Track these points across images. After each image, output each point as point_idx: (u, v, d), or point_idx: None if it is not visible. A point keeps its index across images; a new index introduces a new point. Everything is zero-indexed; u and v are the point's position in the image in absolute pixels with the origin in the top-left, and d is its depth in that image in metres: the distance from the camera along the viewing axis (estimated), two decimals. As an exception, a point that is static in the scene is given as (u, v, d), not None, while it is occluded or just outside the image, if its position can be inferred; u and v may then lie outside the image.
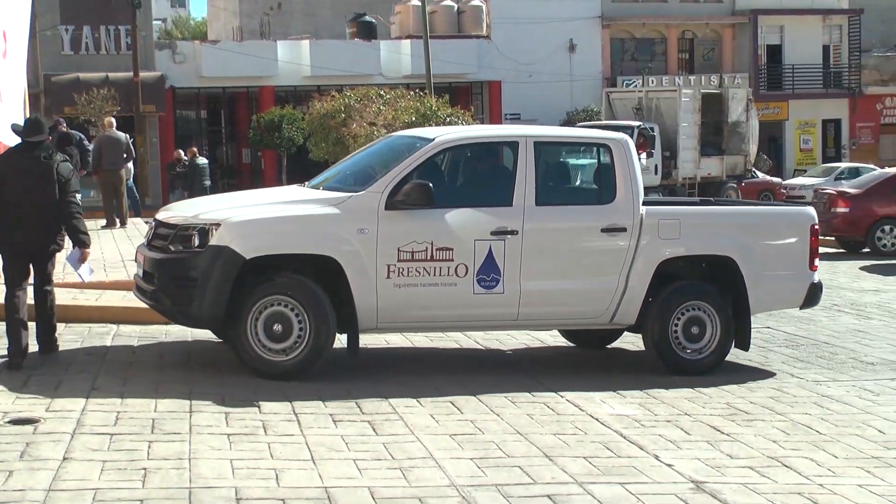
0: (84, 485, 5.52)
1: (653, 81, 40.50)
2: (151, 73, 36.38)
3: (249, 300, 8.13)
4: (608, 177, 9.01)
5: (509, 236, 8.57)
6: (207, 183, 25.16)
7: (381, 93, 28.15)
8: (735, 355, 9.45)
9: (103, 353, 8.92)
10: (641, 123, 28.92)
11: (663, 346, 8.99)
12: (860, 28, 47.08)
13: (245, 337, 8.15)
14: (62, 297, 9.19)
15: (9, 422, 6.63)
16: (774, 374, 9.23)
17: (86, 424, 6.62)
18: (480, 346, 10.09)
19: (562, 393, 8.14)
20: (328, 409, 7.33)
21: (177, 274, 8.22)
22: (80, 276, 8.95)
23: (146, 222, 21.35)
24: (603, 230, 8.83)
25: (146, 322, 10.24)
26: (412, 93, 27.90)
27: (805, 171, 40.42)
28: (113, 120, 20.77)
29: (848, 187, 23.08)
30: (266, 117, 36.44)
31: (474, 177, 9.32)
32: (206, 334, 9.82)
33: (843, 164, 37.55)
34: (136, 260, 9.10)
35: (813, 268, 9.46)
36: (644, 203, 8.99)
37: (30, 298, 8.75)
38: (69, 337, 9.37)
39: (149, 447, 6.23)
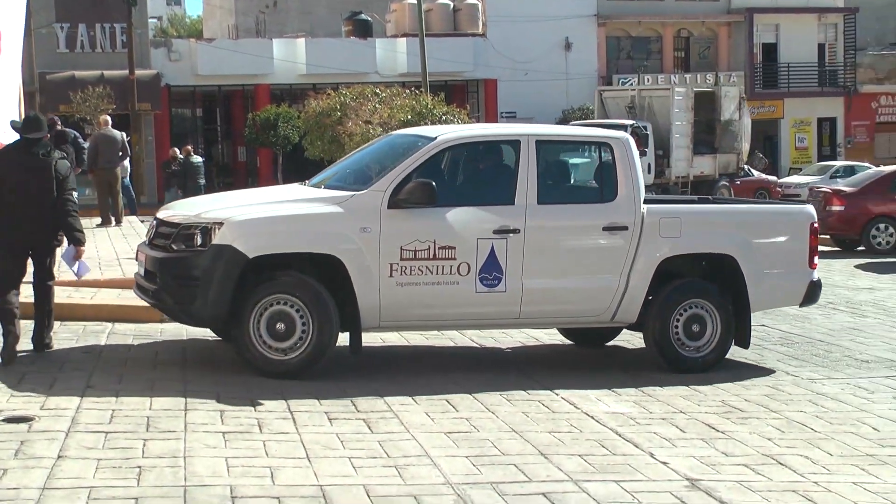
0: (79, 483, 5.51)
1: (648, 80, 40.52)
2: (147, 71, 36.36)
3: (252, 299, 8.11)
4: (609, 175, 9.02)
5: (511, 235, 8.58)
6: (202, 181, 25.15)
7: (377, 91, 28.17)
8: (730, 353, 9.44)
9: (98, 352, 8.91)
10: (634, 122, 28.94)
11: (664, 345, 9.00)
12: (855, 26, 47.13)
13: (248, 336, 8.13)
14: (57, 294, 9.18)
15: (3, 420, 6.63)
16: (769, 372, 9.24)
17: (80, 422, 6.62)
18: (476, 345, 10.10)
19: (557, 391, 8.15)
20: (323, 407, 7.33)
21: (179, 273, 8.19)
22: (73, 272, 8.95)
23: (142, 221, 21.34)
24: (604, 229, 8.83)
25: (141, 320, 10.24)
26: (408, 91, 27.93)
27: (800, 169, 40.49)
28: (109, 118, 20.76)
29: (843, 186, 23.11)
30: (262, 115, 36.43)
31: (476, 175, 9.32)
32: (201, 333, 9.81)
33: (839, 163, 37.60)
34: (136, 259, 9.07)
35: (812, 266, 9.49)
36: (645, 201, 9.00)
37: (25, 298, 8.75)
38: (64, 335, 9.36)
39: (144, 445, 6.23)
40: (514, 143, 8.92)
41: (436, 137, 8.83)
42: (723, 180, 31.79)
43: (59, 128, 18.46)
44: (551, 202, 8.82)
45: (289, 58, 39.16)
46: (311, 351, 8.18)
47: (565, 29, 42.70)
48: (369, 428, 6.90)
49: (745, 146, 33.38)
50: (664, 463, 6.41)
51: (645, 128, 28.76)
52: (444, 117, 24.68)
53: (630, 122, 28.70)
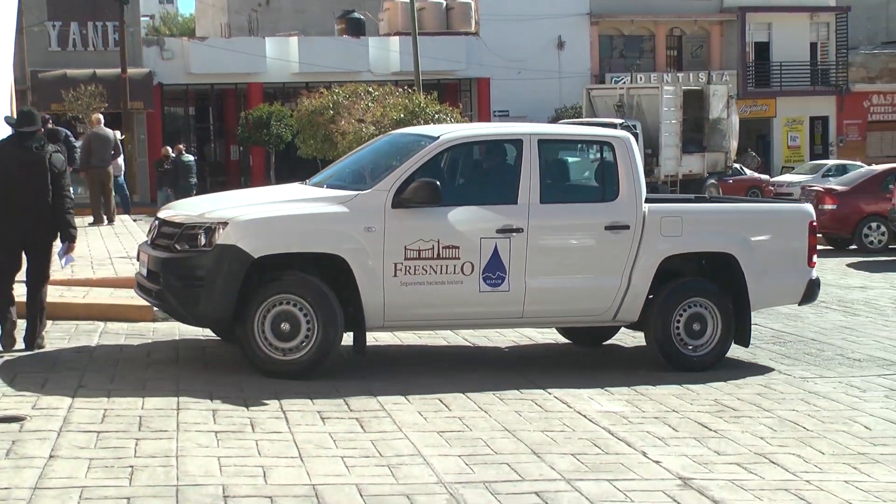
0: (70, 483, 5.50)
1: (641, 78, 40.55)
2: (139, 69, 36.30)
3: (257, 299, 8.08)
4: (611, 174, 9.03)
5: (515, 234, 8.58)
6: (194, 180, 25.09)
7: (370, 90, 28.15)
8: (723, 352, 9.46)
9: (90, 351, 8.89)
10: (624, 120, 28.94)
11: (666, 343, 9.02)
12: (847, 25, 47.22)
13: (252, 336, 8.10)
14: (50, 293, 9.16)
15: (-5, 419, 6.61)
16: (762, 371, 9.25)
17: (72, 422, 6.60)
18: (469, 344, 10.10)
19: (550, 390, 8.15)
20: (316, 407, 7.32)
21: (183, 273, 8.15)
22: (60, 264, 8.98)
23: (134, 220, 21.33)
24: (606, 228, 8.84)
25: (134, 319, 10.23)
26: (401, 90, 27.91)
27: (793, 168, 40.55)
28: (101, 117, 20.74)
29: (835, 184, 23.17)
30: (254, 114, 36.40)
31: (479, 175, 9.34)
32: (193, 332, 9.81)
33: (831, 162, 37.67)
34: (137, 258, 9.04)
35: (811, 264, 9.53)
36: (646, 201, 9.02)
37: (18, 297, 8.74)
38: (56, 334, 9.34)
39: (136, 445, 6.22)
40: (517, 143, 8.93)
41: (438, 137, 8.82)
42: (711, 179, 31.82)
43: (50, 126, 18.40)
44: (554, 201, 8.82)
45: (281, 56, 39.14)
46: (316, 351, 8.16)
47: (558, 27, 42.73)
48: (362, 427, 6.89)
49: (734, 145, 33.42)
50: (657, 462, 6.42)
51: (634, 126, 28.78)
52: (436, 116, 24.66)
53: (619, 120, 28.70)
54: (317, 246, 8.27)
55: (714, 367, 9.09)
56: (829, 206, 20.94)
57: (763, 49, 46.53)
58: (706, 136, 32.44)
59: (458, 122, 25.11)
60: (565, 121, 31.96)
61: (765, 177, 37.50)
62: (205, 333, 9.78)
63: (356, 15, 43.53)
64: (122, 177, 24.87)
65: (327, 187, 8.93)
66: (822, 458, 6.69)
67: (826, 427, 7.44)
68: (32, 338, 8.68)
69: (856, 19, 48.19)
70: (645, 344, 10.20)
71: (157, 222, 8.73)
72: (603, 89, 35.46)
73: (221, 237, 8.06)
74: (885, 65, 48.51)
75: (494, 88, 42.15)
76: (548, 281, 8.71)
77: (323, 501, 5.45)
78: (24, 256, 8.74)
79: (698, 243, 9.16)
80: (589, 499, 5.69)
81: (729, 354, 9.57)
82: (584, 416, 7.43)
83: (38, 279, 8.74)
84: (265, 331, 8.12)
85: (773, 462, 6.55)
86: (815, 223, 9.59)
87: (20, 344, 8.67)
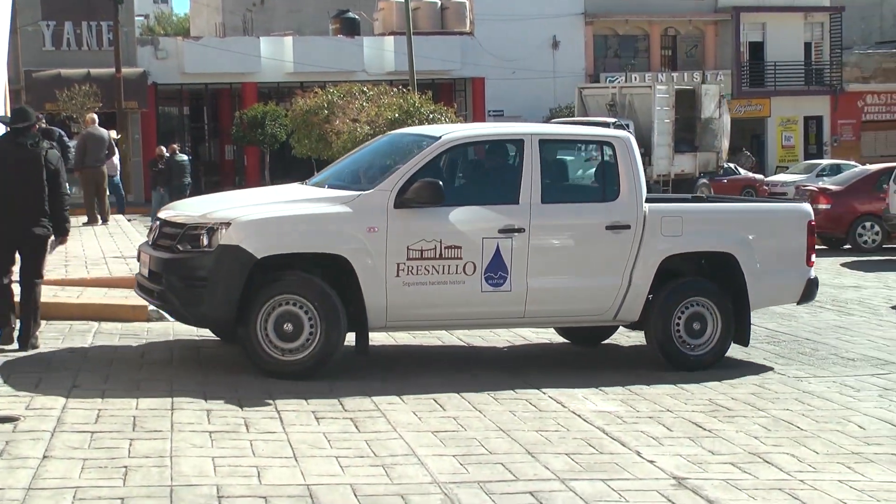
0: (64, 483, 5.49)
1: (636, 78, 40.60)
2: (133, 69, 36.26)
3: (260, 299, 8.06)
4: (612, 174, 9.05)
5: (516, 234, 8.58)
6: (188, 180, 25.03)
7: (364, 89, 28.12)
8: (717, 352, 9.47)
9: (84, 351, 8.88)
10: (617, 119, 28.94)
11: (666, 343, 9.04)
12: (841, 25, 47.27)
13: (255, 337, 8.08)
14: (43, 293, 9.15)
15: (-11, 420, 6.60)
16: (756, 371, 9.25)
17: (66, 422, 6.59)
18: (463, 343, 10.09)
19: (544, 390, 8.15)
20: (310, 407, 7.32)
21: (185, 274, 8.13)
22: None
23: (129, 220, 21.30)
24: (607, 227, 8.85)
25: (128, 319, 10.22)
26: (395, 89, 27.89)
27: (787, 168, 40.60)
28: (95, 116, 20.71)
29: (829, 184, 23.21)
30: (249, 114, 36.37)
31: (480, 175, 9.34)
32: (188, 332, 9.80)
33: (825, 161, 37.71)
34: (137, 259, 9.01)
35: (810, 263, 9.56)
36: (646, 200, 9.03)
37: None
38: (50, 334, 9.33)
39: (130, 445, 6.21)
40: (518, 143, 8.93)
41: (440, 137, 8.82)
42: (703, 179, 31.85)
43: (43, 125, 18.37)
44: (555, 201, 8.83)
45: (276, 56, 39.11)
46: (319, 352, 8.14)
47: (553, 27, 42.73)
48: (356, 427, 6.89)
49: (725, 144, 33.46)
50: (651, 461, 6.42)
51: (627, 125, 28.81)
52: (431, 116, 24.64)
53: (612, 119, 28.71)
54: (319, 246, 8.25)
55: (714, 366, 9.12)
56: (823, 206, 20.96)
57: (757, 49, 46.57)
58: (698, 136, 32.46)
59: (452, 121, 25.10)
60: (557, 120, 31.96)
61: (759, 176, 37.55)
62: (199, 334, 9.77)
63: (351, 15, 43.51)
64: (118, 176, 24.84)
65: (328, 187, 8.91)
66: (816, 458, 6.70)
67: (820, 426, 7.45)
68: (26, 337, 8.67)
69: (850, 19, 48.24)
70: (640, 343, 10.22)
71: (158, 223, 8.70)
72: (595, 88, 35.47)
73: (224, 238, 8.04)
74: (878, 65, 48.57)
75: (489, 88, 42.15)
76: (549, 281, 8.72)
77: (317, 501, 5.45)
78: (17, 254, 8.75)
79: (698, 243, 9.18)
80: (583, 498, 5.70)
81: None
82: (579, 416, 7.43)
83: (32, 278, 8.73)
84: (268, 331, 8.10)
85: (767, 461, 6.56)
86: (813, 223, 9.63)
87: (14, 344, 8.66)
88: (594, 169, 9.57)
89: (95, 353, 8.80)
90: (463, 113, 39.71)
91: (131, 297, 10.75)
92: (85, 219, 18.95)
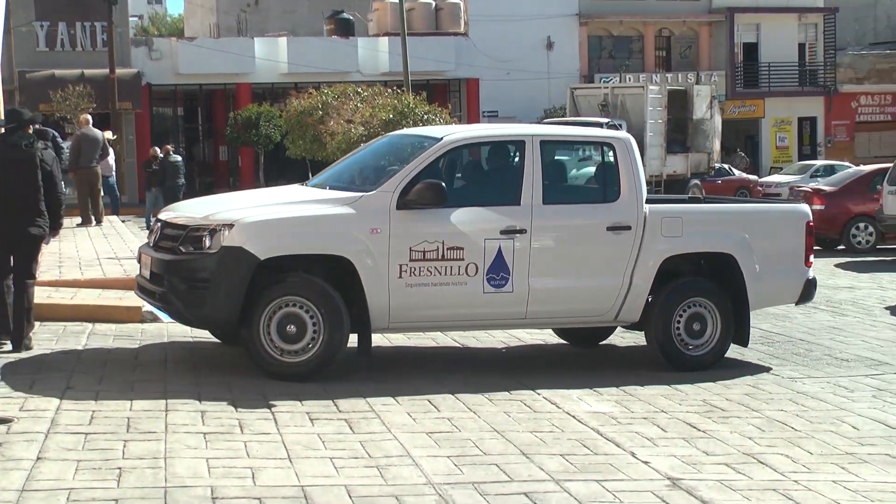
0: (58, 485, 5.48)
1: (630, 79, 40.62)
2: (127, 69, 36.23)
3: (263, 301, 8.04)
4: (612, 175, 9.06)
5: (518, 235, 8.59)
6: (181, 181, 25.02)
7: (359, 90, 28.11)
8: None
9: (78, 352, 8.86)
10: (610, 120, 28.96)
11: (667, 343, 9.06)
12: (835, 26, 47.38)
13: (258, 339, 8.06)
14: (37, 294, 9.14)
15: (-18, 421, 6.58)
16: (750, 371, 9.26)
17: (60, 424, 6.58)
18: (458, 345, 10.09)
19: (539, 391, 8.15)
20: (305, 408, 7.31)
21: (188, 276, 8.10)
22: None
23: (123, 221, 21.28)
24: (608, 228, 8.86)
25: (122, 321, 10.20)
26: (390, 90, 27.85)
27: (781, 168, 40.65)
28: (89, 117, 20.69)
29: (823, 185, 23.24)
30: (243, 114, 36.35)
31: (482, 176, 9.35)
32: (182, 333, 9.79)
33: (819, 162, 37.79)
34: (138, 261, 8.98)
35: (808, 264, 9.59)
36: (647, 201, 9.05)
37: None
38: (44, 335, 9.31)
39: (124, 446, 6.20)
40: (519, 144, 8.94)
41: (442, 138, 8.81)
42: (694, 179, 31.89)
43: (38, 127, 18.35)
44: (556, 202, 8.84)
45: (270, 57, 39.09)
46: (323, 353, 8.12)
47: (547, 28, 42.77)
48: (351, 428, 6.88)
49: (716, 145, 33.50)
50: (645, 462, 6.43)
51: (620, 126, 28.84)
52: (425, 117, 24.62)
53: (605, 119, 28.72)
54: (322, 248, 8.24)
55: (714, 366, 9.14)
56: (817, 207, 20.93)
57: (751, 50, 46.66)
58: (690, 137, 32.50)
59: (447, 122, 25.09)
60: (549, 120, 31.97)
61: (753, 177, 37.61)
62: (193, 335, 9.77)
63: (345, 15, 43.51)
64: (114, 177, 24.81)
65: (330, 189, 8.89)
66: (810, 458, 6.71)
67: (814, 427, 7.46)
68: (20, 339, 8.66)
69: (843, 20, 48.35)
70: (634, 344, 10.23)
71: (159, 224, 8.66)
72: (587, 88, 35.48)
73: (227, 239, 8.02)
74: (872, 66, 48.69)
75: (483, 89, 42.17)
76: (551, 282, 8.72)
77: (312, 502, 5.44)
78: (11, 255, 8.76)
79: (698, 244, 9.20)
80: (578, 499, 5.70)
81: (717, 355, 9.60)
82: (573, 417, 7.43)
83: (24, 278, 8.73)
84: (271, 333, 8.08)
85: (761, 462, 6.56)
86: (811, 223, 9.66)
87: (7, 346, 8.64)
88: (595, 170, 9.58)
89: (89, 355, 8.78)
90: (457, 114, 39.72)
91: (125, 299, 10.76)
92: (79, 220, 18.93)
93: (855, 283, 15.90)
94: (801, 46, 47.44)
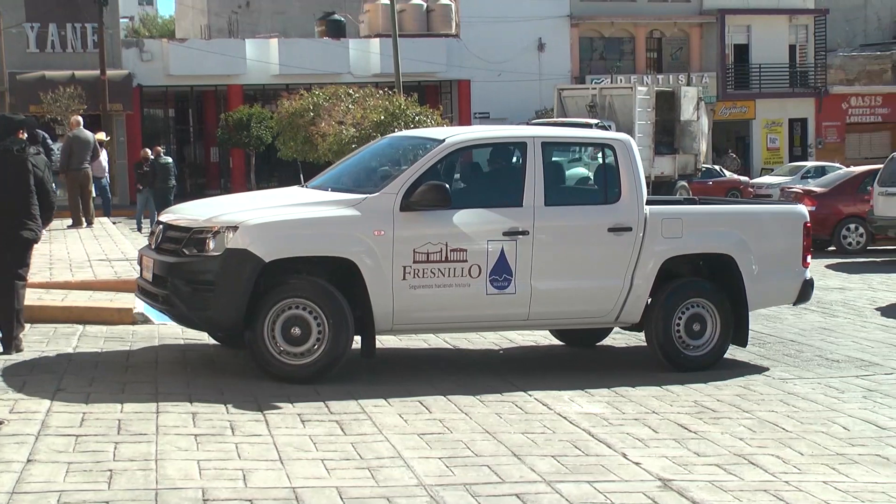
0: (49, 487, 5.47)
1: (621, 80, 40.67)
2: (118, 71, 36.18)
3: (267, 303, 8.02)
4: (613, 177, 9.08)
5: (520, 237, 8.60)
6: (173, 182, 24.99)
7: (350, 91, 28.09)
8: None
9: (69, 354, 8.85)
10: (599, 121, 28.99)
11: (667, 344, 9.08)
12: (826, 28, 47.49)
13: (262, 341, 8.03)
14: (28, 296, 9.11)
15: (-28, 424, 6.57)
16: (741, 372, 9.27)
17: (51, 426, 6.57)
18: (449, 346, 10.09)
19: (530, 392, 8.15)
20: (296, 410, 7.30)
21: (192, 278, 8.07)
22: None
23: (114, 222, 21.24)
24: (609, 230, 8.88)
25: (113, 322, 10.18)
26: (381, 91, 27.83)
27: (772, 170, 40.74)
28: (80, 119, 20.64)
29: (814, 186, 23.29)
30: (234, 116, 36.32)
31: (484, 177, 9.36)
32: (174, 335, 9.78)
33: (810, 163, 37.85)
34: (139, 263, 8.94)
35: (805, 264, 9.62)
36: (647, 202, 9.07)
37: None
38: (34, 337, 9.29)
39: (115, 448, 6.19)
40: (521, 145, 8.95)
41: (444, 139, 8.82)
42: (681, 181, 31.94)
43: (29, 132, 18.30)
44: (557, 203, 8.86)
45: (261, 58, 39.07)
46: (327, 355, 8.10)
47: (538, 30, 42.81)
48: (342, 430, 6.88)
49: (703, 147, 33.54)
50: (637, 463, 6.43)
51: (610, 127, 28.85)
52: (417, 118, 24.61)
53: (595, 121, 28.74)
54: (327, 249, 8.23)
55: (713, 366, 9.17)
56: (808, 208, 20.99)
57: (742, 51, 46.75)
58: (677, 138, 32.55)
59: (438, 124, 25.08)
60: (537, 121, 31.98)
61: (744, 178, 37.67)
62: (185, 337, 9.76)
63: (336, 17, 43.52)
64: (107, 178, 24.79)
65: (331, 190, 8.87)
66: (800, 459, 6.72)
67: (805, 428, 7.47)
68: (10, 340, 8.64)
69: (834, 22, 48.48)
70: (625, 345, 10.25)
71: (161, 227, 8.63)
72: (574, 89, 35.49)
73: (231, 241, 8.00)
74: (863, 67, 48.83)
75: (475, 90, 42.19)
76: (552, 283, 8.73)
77: (303, 504, 5.44)
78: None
79: (698, 244, 9.23)
80: (569, 500, 5.70)
81: (708, 356, 9.61)
82: (565, 418, 7.44)
83: (15, 279, 8.72)
84: (275, 335, 8.06)
85: (752, 463, 6.57)
86: (809, 224, 9.70)
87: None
88: (595, 171, 9.60)
89: (80, 357, 8.77)
90: (448, 115, 39.70)
91: (116, 300, 10.75)
92: (70, 221, 18.89)
93: (846, 284, 15.94)
94: (792, 48, 47.55)
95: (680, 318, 9.10)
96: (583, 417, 7.48)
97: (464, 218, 8.50)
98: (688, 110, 32.63)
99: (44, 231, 9.11)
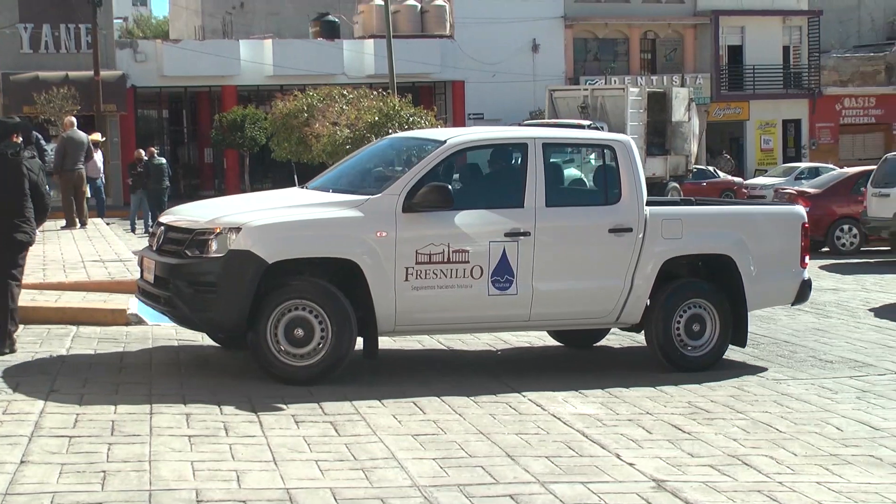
0: (42, 488, 5.46)
1: (615, 81, 40.71)
2: (112, 72, 36.11)
3: (270, 304, 8.00)
4: (613, 178, 9.11)
5: (522, 237, 8.60)
6: (166, 183, 24.98)
7: (344, 92, 28.08)
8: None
9: (62, 355, 8.83)
10: (591, 122, 29.01)
11: (667, 345, 9.11)
12: (819, 29, 47.55)
13: (265, 342, 8.02)
14: (21, 297, 9.09)
15: (-34, 425, 6.55)
16: (735, 373, 9.28)
17: (44, 427, 6.56)
18: (443, 347, 10.09)
19: (524, 393, 8.16)
20: (290, 410, 7.30)
21: (194, 280, 8.05)
22: None
23: (108, 223, 21.20)
24: (610, 230, 8.90)
25: (106, 323, 10.16)
26: (375, 92, 27.82)
27: (766, 170, 40.78)
28: (74, 119, 20.61)
29: (808, 187, 23.34)
30: (228, 117, 36.26)
31: (485, 178, 9.36)
32: (167, 336, 9.77)
33: (803, 164, 37.90)
34: (139, 265, 8.91)
35: (803, 265, 9.65)
36: (647, 203, 9.08)
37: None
38: (28, 338, 9.27)
39: (108, 450, 6.18)
40: (522, 146, 8.95)
41: (445, 141, 8.82)
42: (673, 182, 31.97)
43: (21, 137, 18.26)
44: (559, 204, 8.88)
45: (256, 59, 39.03)
46: (330, 356, 8.09)
47: (533, 31, 42.82)
48: (336, 431, 6.88)
49: (694, 148, 33.56)
50: (630, 464, 6.44)
51: (602, 128, 28.86)
52: (411, 119, 24.61)
53: (587, 122, 28.76)
54: (330, 251, 8.22)
55: (713, 367, 9.20)
56: (801, 209, 21.06)
57: (736, 52, 46.80)
58: (668, 139, 32.56)
59: (432, 125, 25.08)
60: (528, 122, 32.01)
61: (738, 179, 37.71)
62: (178, 337, 9.75)
63: (330, 17, 43.47)
64: (101, 179, 24.74)
65: (332, 191, 8.86)
66: (794, 460, 6.73)
67: (798, 429, 7.48)
68: (2, 341, 8.63)
69: (828, 23, 48.55)
70: (620, 346, 10.25)
71: (162, 228, 8.60)
72: (566, 90, 35.50)
73: (234, 243, 7.98)
74: (856, 68, 48.90)
75: (469, 91, 42.18)
76: (554, 284, 8.74)
77: (297, 505, 5.44)
78: None
79: (698, 245, 9.26)
80: (563, 501, 5.70)
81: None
82: (559, 419, 7.44)
83: (8, 279, 8.71)
84: (278, 337, 8.04)
85: (746, 464, 6.58)
86: (807, 225, 9.72)
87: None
88: (596, 172, 9.62)
89: (74, 358, 8.75)
90: (443, 116, 39.69)
91: (110, 301, 10.74)
92: (63, 222, 18.86)
93: (839, 284, 15.96)
94: (786, 49, 47.60)
95: (680, 319, 9.13)
96: (577, 418, 7.48)
97: (465, 219, 8.50)
98: (679, 111, 32.66)
99: (37, 232, 9.13)
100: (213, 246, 8.03)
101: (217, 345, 9.32)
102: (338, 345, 8.09)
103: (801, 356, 10.14)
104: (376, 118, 24.46)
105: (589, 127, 27.20)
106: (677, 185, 31.76)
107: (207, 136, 38.87)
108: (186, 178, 40.72)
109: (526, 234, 8.62)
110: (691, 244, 9.21)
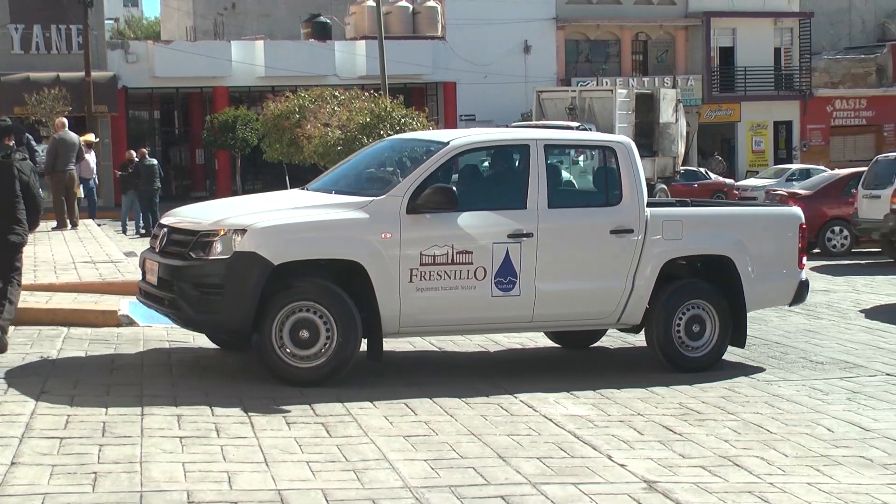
0: (33, 490, 5.45)
1: (606, 83, 40.75)
2: (103, 72, 36.07)
3: (275, 306, 7.98)
4: (614, 179, 9.13)
5: (525, 239, 8.61)
6: (158, 185, 24.96)
7: (336, 94, 28.10)
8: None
9: (53, 356, 8.81)
10: (580, 124, 29.05)
11: (667, 345, 9.13)
12: (810, 31, 47.68)
13: (270, 344, 8.00)
14: (11, 299, 9.09)
15: (-44, 426, 6.54)
16: (726, 374, 9.29)
17: (35, 428, 6.54)
18: (435, 348, 10.10)
19: (516, 394, 8.16)
20: (281, 412, 7.29)
21: (199, 282, 8.02)
22: None
23: (99, 224, 21.18)
24: (611, 232, 8.92)
25: (97, 325, 10.14)
26: (367, 94, 27.86)
27: (757, 172, 40.87)
28: (65, 121, 20.59)
29: (799, 189, 23.39)
30: (220, 118, 36.25)
31: (488, 180, 9.38)
32: (159, 337, 9.75)
33: (795, 166, 37.99)
34: (141, 267, 8.89)
35: (801, 266, 9.69)
36: (647, 204, 9.11)
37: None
38: (19, 339, 9.26)
39: (99, 451, 6.17)
40: (524, 148, 8.96)
41: (448, 142, 8.82)
42: (660, 184, 32.03)
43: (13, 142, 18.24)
44: (561, 206, 8.90)
45: (247, 60, 39.01)
46: (336, 358, 8.07)
47: (524, 32, 42.86)
48: (328, 432, 6.87)
49: (681, 149, 33.60)
50: (622, 465, 6.44)
51: (590, 130, 28.90)
52: (402, 120, 24.63)
53: (576, 124, 28.80)
54: (336, 252, 8.20)
55: (713, 367, 9.24)
56: (792, 210, 21.09)
57: (728, 54, 46.90)
58: (656, 141, 32.61)
59: (424, 126, 25.11)
60: (517, 123, 32.03)
61: (729, 181, 37.78)
62: (170, 339, 9.74)
63: (322, 19, 43.48)
64: (94, 180, 24.71)
65: (335, 193, 8.85)
66: (785, 461, 6.74)
67: (789, 430, 7.50)
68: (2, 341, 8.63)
69: (819, 25, 48.66)
70: (612, 347, 10.26)
71: (165, 230, 8.56)
72: (554, 91, 35.51)
73: (239, 244, 7.96)
74: (847, 70, 49.02)
75: (461, 92, 42.21)
76: (556, 285, 8.75)
77: (288, 507, 5.43)
78: None
79: (698, 246, 9.29)
80: (554, 502, 5.71)
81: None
82: (550, 420, 7.45)
83: (8, 283, 8.72)
84: (283, 338, 8.02)
85: (737, 465, 6.59)
86: (804, 226, 9.76)
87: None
88: (597, 174, 9.65)
89: (64, 359, 8.74)
90: (434, 117, 39.71)
91: (101, 302, 10.72)
92: (54, 223, 18.83)
93: (830, 286, 15.99)
94: (777, 51, 47.72)
95: (680, 320, 9.15)
96: (568, 419, 7.49)
97: (469, 220, 8.51)
98: (667, 112, 32.70)
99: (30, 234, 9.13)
100: (218, 248, 8.01)
101: (208, 346, 9.31)
102: (343, 346, 8.08)
103: (792, 357, 10.16)
104: (368, 119, 24.49)
105: (578, 128, 27.20)
106: (665, 187, 31.82)
107: (199, 138, 38.84)
108: (178, 179, 40.69)
109: (529, 235, 8.63)
110: (691, 245, 9.24)
